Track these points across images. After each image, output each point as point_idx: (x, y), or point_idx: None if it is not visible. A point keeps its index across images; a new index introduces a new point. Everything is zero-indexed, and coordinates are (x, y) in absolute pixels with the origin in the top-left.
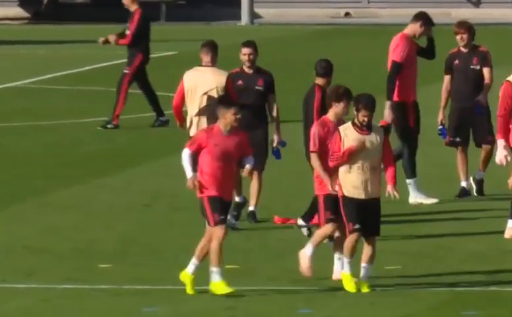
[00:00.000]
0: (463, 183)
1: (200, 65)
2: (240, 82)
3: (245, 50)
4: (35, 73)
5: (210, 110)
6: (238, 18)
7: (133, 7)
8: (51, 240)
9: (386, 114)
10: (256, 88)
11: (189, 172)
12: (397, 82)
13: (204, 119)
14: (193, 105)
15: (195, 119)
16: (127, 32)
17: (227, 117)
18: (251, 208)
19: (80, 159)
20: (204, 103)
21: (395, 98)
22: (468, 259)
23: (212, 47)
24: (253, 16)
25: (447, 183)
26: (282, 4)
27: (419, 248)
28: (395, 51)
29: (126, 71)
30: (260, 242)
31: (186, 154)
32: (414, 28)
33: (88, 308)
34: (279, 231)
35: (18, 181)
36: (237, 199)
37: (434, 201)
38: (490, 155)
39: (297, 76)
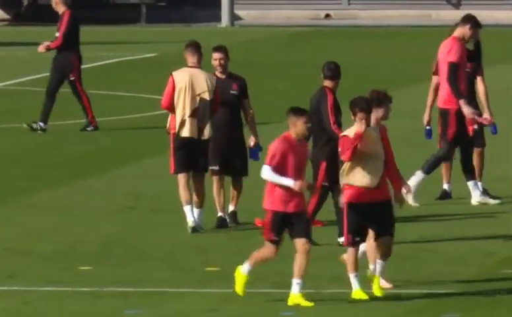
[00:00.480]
0: (445, 186)
1: (187, 66)
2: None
3: (216, 55)
4: (16, 75)
5: (201, 112)
6: (218, 19)
7: (62, 9)
8: (33, 242)
9: (466, 112)
10: (231, 92)
11: (287, 181)
12: (446, 87)
13: (195, 121)
14: (185, 106)
15: (189, 120)
16: (57, 35)
17: (297, 125)
18: (231, 208)
19: (62, 160)
20: (196, 104)
21: (441, 104)
22: (449, 261)
23: (197, 47)
24: (234, 17)
25: (431, 184)
26: (262, 5)
27: (400, 250)
28: (450, 53)
29: (72, 78)
30: (242, 244)
31: (268, 171)
32: (463, 31)
33: (69, 310)
34: (260, 233)
35: None
36: (222, 215)
37: (416, 204)
38: (483, 158)
39: (277, 77)
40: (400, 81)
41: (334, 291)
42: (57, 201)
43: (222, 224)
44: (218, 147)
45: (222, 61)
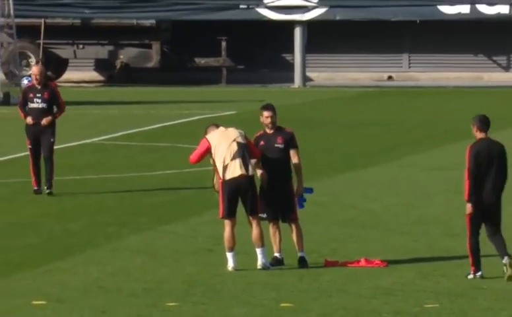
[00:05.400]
0: None
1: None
2: (262, 142)
3: (266, 113)
4: (108, 131)
5: (241, 152)
6: (292, 81)
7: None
8: (123, 281)
9: None
10: (276, 145)
11: None
12: None
13: (238, 161)
14: (226, 153)
15: (232, 164)
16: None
17: None
18: (299, 254)
19: (148, 208)
20: (235, 148)
21: None
22: (502, 298)
23: (217, 125)
24: (305, 79)
25: None
26: (331, 68)
27: (454, 288)
28: None
29: (52, 140)
30: (312, 282)
31: None
32: None
33: None
34: (329, 273)
35: (93, 229)
36: (277, 255)
37: None
38: None
39: (346, 133)
40: (456, 136)
41: None
42: (144, 245)
43: (275, 263)
44: (265, 197)
45: (272, 119)
